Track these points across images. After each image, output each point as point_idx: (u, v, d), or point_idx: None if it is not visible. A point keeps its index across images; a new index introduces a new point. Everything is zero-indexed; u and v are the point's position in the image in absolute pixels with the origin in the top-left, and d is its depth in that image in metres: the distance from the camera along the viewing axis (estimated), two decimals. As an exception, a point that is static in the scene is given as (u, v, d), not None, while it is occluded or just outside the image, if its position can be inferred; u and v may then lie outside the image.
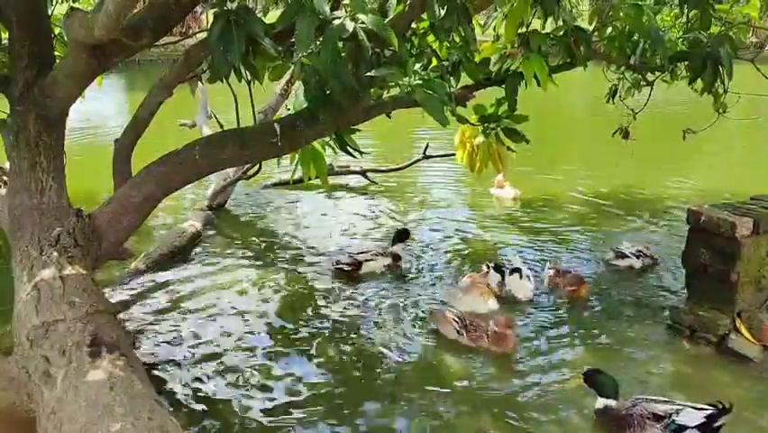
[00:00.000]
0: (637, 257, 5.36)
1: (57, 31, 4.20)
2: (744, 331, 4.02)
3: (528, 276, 4.90)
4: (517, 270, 4.88)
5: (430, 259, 5.63)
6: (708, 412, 3.17)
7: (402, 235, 5.53)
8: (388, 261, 5.33)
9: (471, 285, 4.77)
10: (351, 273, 5.17)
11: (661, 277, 5.23)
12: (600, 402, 3.41)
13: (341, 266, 5.20)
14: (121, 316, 4.40)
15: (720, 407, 3.18)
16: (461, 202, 7.36)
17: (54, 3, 4.46)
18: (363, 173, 7.98)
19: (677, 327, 4.30)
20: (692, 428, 3.16)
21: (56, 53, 3.92)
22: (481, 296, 4.65)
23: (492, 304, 4.64)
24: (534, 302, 4.79)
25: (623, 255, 5.41)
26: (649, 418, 3.23)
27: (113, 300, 4.64)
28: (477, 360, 4.03)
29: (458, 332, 4.18)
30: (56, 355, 2.59)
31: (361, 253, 5.30)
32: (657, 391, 3.61)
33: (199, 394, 3.68)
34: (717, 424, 3.16)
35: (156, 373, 3.85)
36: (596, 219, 6.65)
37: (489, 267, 4.99)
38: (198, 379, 3.83)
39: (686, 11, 4.08)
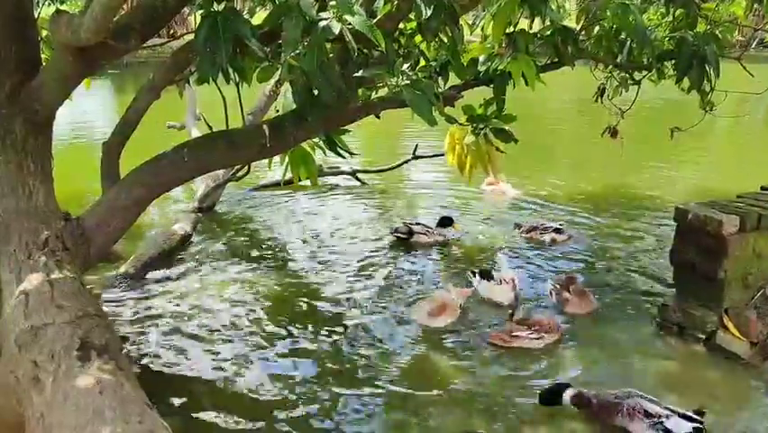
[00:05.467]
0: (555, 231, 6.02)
1: (43, 33, 4.18)
2: (731, 328, 4.05)
3: (513, 279, 4.78)
4: (490, 274, 4.83)
5: (420, 259, 5.64)
6: (696, 425, 3.20)
7: (445, 221, 6.05)
8: (438, 238, 5.95)
9: (435, 299, 4.59)
10: (405, 240, 5.90)
11: (649, 275, 5.26)
12: (567, 394, 3.43)
13: (397, 234, 5.92)
14: (110, 319, 4.38)
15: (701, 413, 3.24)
16: (452, 202, 7.37)
17: (40, 5, 4.44)
18: (353, 174, 7.98)
19: (665, 325, 4.33)
20: None
21: (42, 56, 3.90)
22: (441, 310, 4.47)
23: (450, 319, 4.45)
24: (521, 304, 4.73)
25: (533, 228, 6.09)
26: (640, 412, 3.27)
27: (102, 303, 4.61)
28: (466, 360, 4.04)
29: (534, 338, 4.11)
30: (45, 360, 2.56)
31: (417, 224, 6.00)
32: (646, 388, 3.63)
33: (190, 397, 3.67)
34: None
35: (146, 376, 3.83)
36: (584, 219, 6.68)
37: (474, 273, 4.95)
38: (189, 382, 3.82)
39: (672, 10, 4.11)
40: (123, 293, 4.95)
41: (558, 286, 4.78)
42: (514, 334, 4.17)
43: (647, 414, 3.26)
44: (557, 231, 6.03)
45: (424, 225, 6.05)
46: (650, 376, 3.91)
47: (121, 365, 2.56)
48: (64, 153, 8.38)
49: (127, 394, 2.33)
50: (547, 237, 6.00)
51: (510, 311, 4.46)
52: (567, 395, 3.45)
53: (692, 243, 4.22)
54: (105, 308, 4.54)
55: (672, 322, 4.29)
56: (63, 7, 5.37)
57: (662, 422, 3.22)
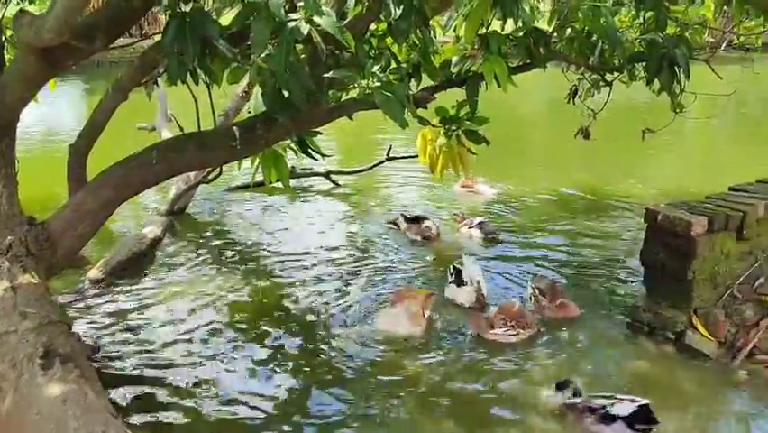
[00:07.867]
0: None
1: (8, 33, 4.09)
2: (700, 328, 4.10)
3: (478, 282, 4.73)
4: (458, 275, 4.79)
5: (394, 261, 5.63)
6: (639, 404, 3.31)
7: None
8: (409, 234, 6.18)
9: (401, 303, 4.49)
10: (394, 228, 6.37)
11: (620, 275, 5.31)
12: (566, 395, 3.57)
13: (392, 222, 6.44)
14: (76, 325, 4.30)
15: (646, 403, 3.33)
16: (426, 203, 7.36)
17: (6, 4, 4.34)
18: (327, 175, 7.94)
19: (636, 325, 4.36)
20: (623, 418, 3.30)
21: (8, 56, 3.82)
22: (408, 318, 4.36)
23: (416, 329, 4.32)
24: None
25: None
26: (585, 410, 3.42)
27: (68, 310, 4.53)
28: (436, 361, 4.04)
29: (511, 333, 4.20)
30: (7, 368, 2.51)
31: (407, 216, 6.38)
32: (616, 387, 3.67)
33: (157, 407, 3.60)
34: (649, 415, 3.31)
35: (113, 384, 3.75)
36: (556, 219, 6.72)
37: (455, 268, 4.86)
38: (156, 391, 3.75)
39: (642, 12, 4.14)
40: (91, 299, 4.86)
41: (537, 291, 4.72)
42: (492, 331, 4.23)
43: (592, 410, 3.40)
44: (480, 225, 6.18)
45: (407, 217, 6.32)
46: (620, 375, 3.95)
47: (85, 374, 2.52)
48: (29, 156, 8.23)
49: (91, 403, 2.29)
50: (465, 231, 6.22)
51: (480, 313, 4.49)
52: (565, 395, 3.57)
53: (662, 243, 4.26)
54: (71, 315, 4.47)
55: (643, 322, 4.33)
56: (31, 8, 5.27)
57: (606, 411, 3.35)
